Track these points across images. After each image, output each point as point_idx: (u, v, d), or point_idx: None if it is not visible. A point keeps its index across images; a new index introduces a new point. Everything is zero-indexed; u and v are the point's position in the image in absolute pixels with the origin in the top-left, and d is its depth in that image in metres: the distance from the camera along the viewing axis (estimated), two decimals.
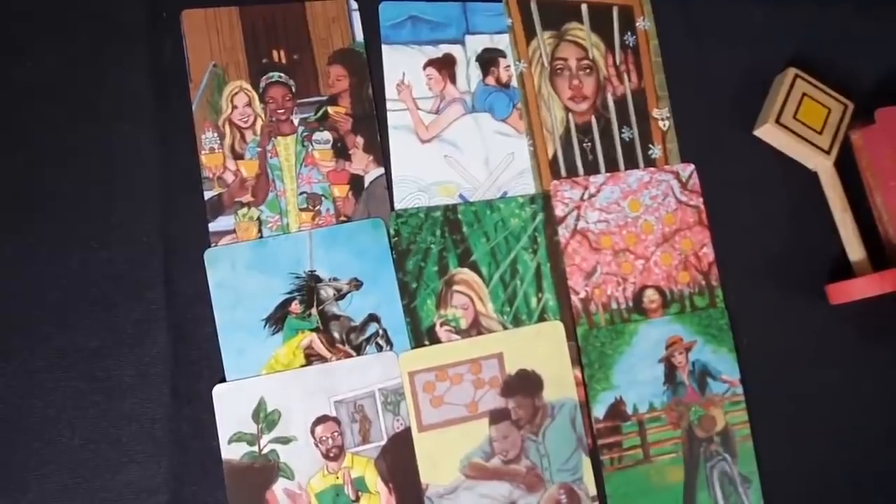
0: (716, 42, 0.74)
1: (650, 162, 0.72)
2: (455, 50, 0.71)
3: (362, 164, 0.68)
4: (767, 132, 0.71)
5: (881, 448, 0.70)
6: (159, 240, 0.65)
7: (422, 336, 0.66)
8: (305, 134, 0.68)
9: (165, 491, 0.61)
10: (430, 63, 0.70)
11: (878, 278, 0.67)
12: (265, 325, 0.64)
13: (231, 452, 0.62)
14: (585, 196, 0.70)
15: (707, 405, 0.68)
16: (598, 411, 0.67)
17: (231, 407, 0.62)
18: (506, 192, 0.69)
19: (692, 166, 0.71)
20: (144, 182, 0.65)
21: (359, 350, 0.65)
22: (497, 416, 0.65)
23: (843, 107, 0.72)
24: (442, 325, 0.66)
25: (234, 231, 0.65)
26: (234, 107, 0.67)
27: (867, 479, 0.69)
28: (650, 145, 0.72)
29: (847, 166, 0.72)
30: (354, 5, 0.70)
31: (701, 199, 0.71)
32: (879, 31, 0.76)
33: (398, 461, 0.64)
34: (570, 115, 0.71)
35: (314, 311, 0.65)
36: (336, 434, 0.63)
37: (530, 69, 0.71)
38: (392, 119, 0.69)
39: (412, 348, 0.65)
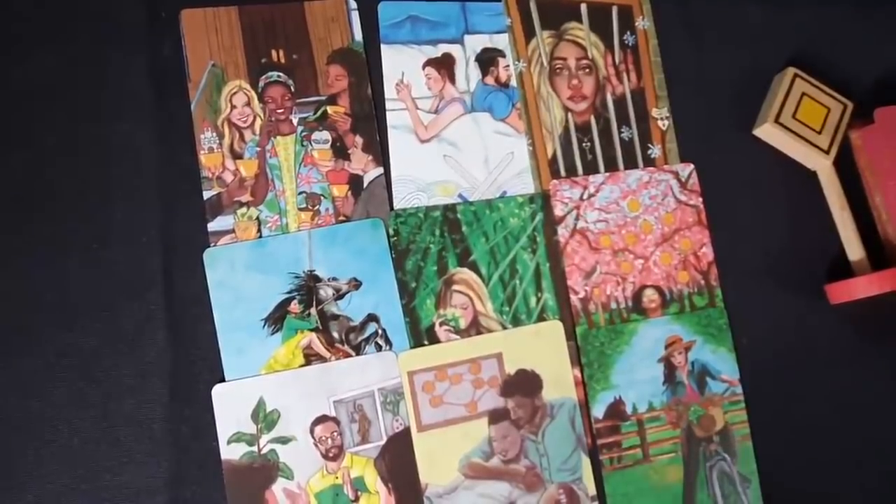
0: (715, 42, 0.74)
1: (649, 161, 0.72)
2: (454, 49, 0.71)
3: (361, 163, 0.68)
4: (766, 132, 0.71)
5: (881, 448, 0.69)
6: (159, 240, 0.65)
7: (421, 336, 0.66)
8: (304, 133, 0.68)
9: (165, 491, 0.61)
10: (430, 63, 0.70)
11: (878, 278, 0.67)
12: (264, 325, 0.64)
13: (230, 452, 0.62)
14: (585, 196, 0.70)
15: (706, 405, 0.68)
16: (598, 411, 0.67)
17: (230, 407, 0.62)
18: (505, 191, 0.69)
19: (691, 166, 0.71)
20: (144, 182, 0.65)
21: (358, 350, 0.65)
22: (496, 416, 0.65)
23: (842, 106, 0.72)
24: (441, 324, 0.66)
25: (233, 231, 0.65)
26: (233, 106, 0.67)
27: (867, 478, 0.69)
28: (649, 145, 0.72)
29: (846, 166, 0.72)
30: (353, 5, 0.70)
31: (700, 199, 0.71)
32: (879, 31, 0.76)
33: (397, 461, 0.64)
34: (570, 114, 0.71)
35: (313, 310, 0.65)
36: (335, 434, 0.63)
37: (529, 69, 0.71)
38: (391, 119, 0.69)
39: (411, 348, 0.65)
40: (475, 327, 0.67)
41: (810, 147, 0.70)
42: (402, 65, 0.70)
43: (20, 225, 0.64)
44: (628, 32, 0.73)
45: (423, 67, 0.70)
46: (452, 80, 0.70)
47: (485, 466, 0.64)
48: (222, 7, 0.68)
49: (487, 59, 0.71)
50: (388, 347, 0.65)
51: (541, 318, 0.67)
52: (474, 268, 0.67)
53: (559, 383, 0.66)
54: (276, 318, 0.64)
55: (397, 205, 0.68)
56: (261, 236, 0.66)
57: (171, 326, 0.63)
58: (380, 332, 0.65)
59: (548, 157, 0.70)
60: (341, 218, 0.67)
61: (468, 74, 0.71)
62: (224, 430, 0.62)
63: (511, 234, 0.68)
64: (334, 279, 0.65)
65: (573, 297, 0.68)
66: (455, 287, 0.67)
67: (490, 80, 0.71)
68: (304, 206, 0.67)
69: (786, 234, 0.71)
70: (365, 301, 0.65)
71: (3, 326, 0.62)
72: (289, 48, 0.68)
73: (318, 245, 0.66)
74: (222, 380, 0.63)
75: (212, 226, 0.65)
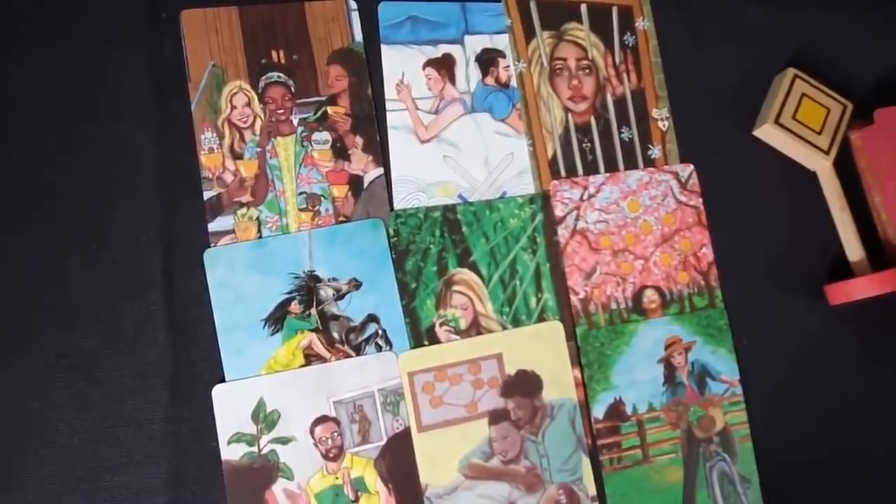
0: (715, 42, 0.74)
1: (650, 162, 0.72)
2: (454, 50, 0.71)
3: (361, 164, 0.68)
4: (766, 132, 0.71)
5: (881, 448, 0.70)
6: (159, 240, 0.65)
7: (421, 336, 0.66)
8: (305, 134, 0.68)
9: (165, 492, 0.61)
10: (430, 63, 0.70)
11: (878, 278, 0.67)
12: (264, 326, 0.64)
13: (230, 453, 0.62)
14: (585, 196, 0.70)
15: (706, 405, 0.68)
16: (598, 411, 0.67)
17: (230, 407, 0.62)
18: (505, 192, 0.69)
19: (691, 166, 0.71)
20: (144, 182, 0.65)
21: (358, 350, 0.65)
22: (496, 417, 0.65)
23: (842, 107, 0.72)
24: (441, 325, 0.66)
25: (233, 231, 0.65)
26: (234, 107, 0.67)
27: (867, 479, 0.69)
28: (649, 145, 0.72)
29: (846, 166, 0.72)
30: (354, 5, 0.70)
31: (700, 200, 0.71)
32: (879, 33, 0.76)
33: (397, 461, 0.64)
34: (570, 115, 0.71)
35: (313, 311, 0.65)
36: (335, 434, 0.63)
37: (530, 69, 0.71)
38: (391, 119, 0.69)
39: (411, 348, 0.65)
40: (475, 328, 0.67)
41: (810, 148, 0.70)
42: (402, 65, 0.70)
43: (20, 225, 0.64)
44: (628, 33, 0.73)
45: (424, 68, 0.70)
46: (452, 80, 0.70)
47: (485, 467, 0.64)
48: (222, 7, 0.68)
49: (487, 60, 0.71)
50: (388, 348, 0.65)
51: (541, 319, 0.67)
52: (474, 268, 0.67)
53: (559, 384, 0.66)
54: (277, 319, 0.64)
55: (397, 205, 0.68)
56: (261, 237, 0.66)
57: (171, 327, 0.63)
58: (380, 332, 0.65)
59: (548, 158, 0.70)
60: (341, 218, 0.67)
61: (468, 75, 0.71)
62: (224, 431, 0.62)
63: (511, 235, 0.68)
64: (334, 279, 0.65)
65: (573, 298, 0.68)
66: (455, 287, 0.67)
67: (490, 80, 0.71)
68: (304, 206, 0.67)
69: (786, 235, 0.72)
70: (365, 301, 0.65)
71: (3, 326, 0.62)
72: (289, 48, 0.68)
73: (318, 245, 0.66)
74: (222, 380, 0.63)
75: (212, 226, 0.65)
